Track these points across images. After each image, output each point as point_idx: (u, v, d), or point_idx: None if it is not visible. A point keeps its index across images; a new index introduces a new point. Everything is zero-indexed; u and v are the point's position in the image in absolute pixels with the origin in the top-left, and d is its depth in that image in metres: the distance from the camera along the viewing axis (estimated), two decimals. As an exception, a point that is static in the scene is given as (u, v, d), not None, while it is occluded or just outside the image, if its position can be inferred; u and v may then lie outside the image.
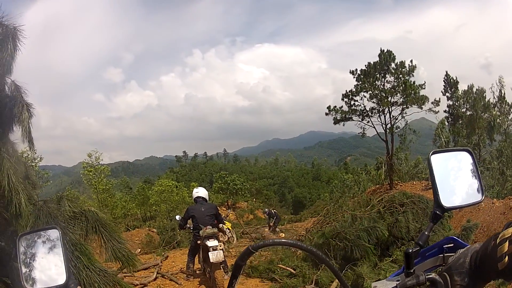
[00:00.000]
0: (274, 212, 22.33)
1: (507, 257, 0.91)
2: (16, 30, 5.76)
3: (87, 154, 30.60)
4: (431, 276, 1.14)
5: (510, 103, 29.75)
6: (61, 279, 1.52)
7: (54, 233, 1.64)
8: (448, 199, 1.30)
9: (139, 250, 14.47)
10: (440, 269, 1.21)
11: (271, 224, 21.15)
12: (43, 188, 22.59)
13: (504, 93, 29.96)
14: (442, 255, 1.32)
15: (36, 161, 25.07)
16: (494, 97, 30.05)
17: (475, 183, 1.36)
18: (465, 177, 1.38)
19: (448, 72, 32.25)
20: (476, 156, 1.42)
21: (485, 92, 30.17)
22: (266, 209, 24.50)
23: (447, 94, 31.70)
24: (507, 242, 0.92)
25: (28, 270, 1.58)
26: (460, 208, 1.39)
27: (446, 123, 32.28)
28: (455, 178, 1.38)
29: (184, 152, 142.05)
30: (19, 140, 6.05)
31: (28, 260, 1.61)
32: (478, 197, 1.35)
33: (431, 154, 1.35)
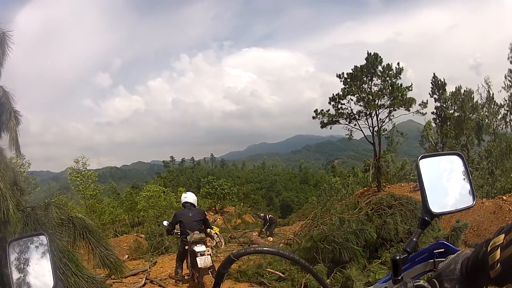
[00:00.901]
0: (270, 217, 22.18)
1: (499, 264, 0.91)
2: (4, 35, 5.72)
3: (74, 160, 30.41)
4: (419, 283, 1.13)
5: (499, 103, 30.08)
6: (49, 284, 1.52)
7: (42, 239, 1.64)
8: (438, 204, 1.28)
9: (127, 256, 14.39)
10: (430, 275, 1.21)
11: (263, 229, 21.03)
12: (31, 194, 22.42)
13: (493, 94, 30.30)
14: (432, 260, 1.30)
15: (24, 167, 24.87)
16: (481, 98, 30.37)
17: (466, 188, 1.35)
18: (455, 181, 1.36)
19: (435, 74, 32.63)
20: (466, 159, 1.41)
21: (473, 93, 30.49)
22: (261, 214, 24.37)
23: (434, 95, 31.93)
24: (499, 249, 0.91)
25: (17, 276, 1.59)
26: (450, 213, 1.37)
27: (434, 125, 32.49)
28: (445, 183, 1.36)
29: (172, 157, 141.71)
30: (7, 146, 6.01)
31: (17, 266, 1.61)
32: (469, 201, 1.33)
33: (420, 159, 1.34)
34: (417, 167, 1.32)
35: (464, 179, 1.36)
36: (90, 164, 32.01)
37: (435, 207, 1.27)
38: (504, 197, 16.40)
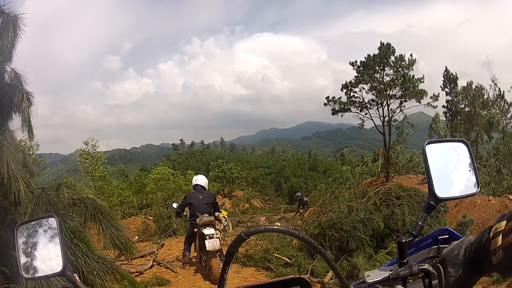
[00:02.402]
0: (306, 199, 22.12)
1: (501, 250, 0.92)
2: (16, 18, 5.74)
3: (83, 141, 30.47)
4: (424, 267, 1.15)
5: (509, 101, 29.77)
6: (58, 267, 1.54)
7: (52, 222, 1.65)
8: (443, 190, 1.30)
9: (137, 237, 14.49)
10: (434, 261, 1.23)
11: (300, 210, 20.93)
12: (40, 176, 22.56)
13: (503, 92, 29.99)
14: (436, 246, 1.32)
15: (33, 148, 25.03)
16: (490, 96, 30.05)
17: (470, 175, 1.36)
18: (460, 168, 1.37)
19: (447, 68, 32.30)
20: (472, 148, 1.43)
21: (484, 89, 30.16)
22: (299, 194, 24.24)
23: (446, 89, 31.68)
24: (501, 235, 0.93)
25: (26, 259, 1.59)
26: (454, 199, 1.38)
27: (444, 118, 32.31)
28: (451, 169, 1.37)
29: (181, 140, 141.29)
30: (17, 128, 6.06)
31: (26, 249, 1.62)
32: (473, 189, 1.34)
33: (426, 144, 1.35)
34: (424, 152, 1.33)
35: (469, 166, 1.38)
36: (99, 146, 32.00)
37: (440, 192, 1.28)
38: (511, 196, 16.33)
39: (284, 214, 24.72)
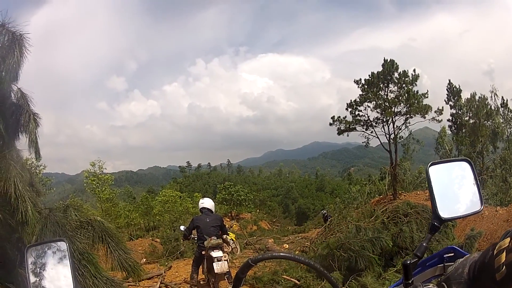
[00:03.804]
0: (329, 216, 22.01)
1: (504, 267, 0.92)
2: (22, 37, 5.80)
3: (90, 163, 30.48)
4: (429, 286, 1.16)
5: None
6: (68, 289, 1.56)
7: (62, 245, 1.67)
8: (447, 209, 1.32)
9: (144, 260, 14.47)
10: (439, 279, 1.23)
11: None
12: (46, 196, 22.59)
13: (506, 100, 30.00)
14: (442, 264, 1.33)
15: (40, 168, 25.06)
16: (493, 105, 30.02)
17: (474, 193, 1.38)
18: (464, 187, 1.40)
19: (451, 81, 32.48)
20: (475, 166, 1.45)
21: (487, 99, 30.21)
22: (324, 211, 24.03)
23: (450, 102, 31.69)
24: (504, 252, 0.93)
25: (35, 280, 1.61)
26: (458, 218, 1.40)
27: (449, 132, 32.29)
28: (454, 189, 1.40)
29: (188, 162, 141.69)
30: (24, 147, 6.10)
31: (35, 270, 1.64)
32: (477, 207, 1.36)
33: (429, 166, 1.37)
34: (427, 174, 1.35)
35: (472, 184, 1.39)
36: (106, 168, 32.05)
37: (444, 213, 1.31)
38: None
39: (304, 234, 24.52)
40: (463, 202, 1.37)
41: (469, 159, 1.44)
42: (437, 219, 1.30)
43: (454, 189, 1.40)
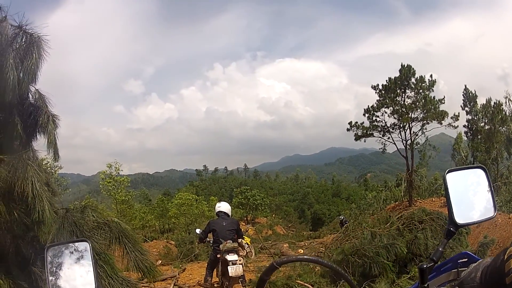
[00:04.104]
0: (346, 221, 21.97)
1: None
2: (40, 39, 5.88)
3: (107, 164, 30.70)
4: None
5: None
6: (90, 289, 1.58)
7: (83, 245, 1.69)
8: (462, 215, 1.35)
9: (160, 261, 14.54)
10: (453, 284, 1.26)
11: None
12: (61, 196, 22.80)
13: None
14: (456, 269, 1.36)
15: (56, 168, 25.30)
16: (508, 111, 29.71)
17: (488, 200, 1.41)
18: (479, 193, 1.43)
19: (467, 86, 32.31)
20: (490, 172, 1.48)
21: (502, 105, 29.92)
22: (341, 217, 23.91)
23: (466, 108, 31.46)
24: None
25: (55, 280, 1.63)
26: (473, 224, 1.43)
27: (465, 138, 32.05)
28: (469, 195, 1.43)
29: (205, 166, 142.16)
30: (40, 148, 6.19)
31: (55, 270, 1.65)
32: (490, 213, 1.40)
33: (447, 173, 1.41)
34: (444, 181, 1.39)
35: (486, 191, 1.42)
36: (122, 170, 32.29)
37: (459, 218, 1.34)
38: None
39: (319, 239, 24.45)
40: (478, 209, 1.41)
41: (484, 167, 1.48)
42: (453, 225, 1.33)
43: (470, 195, 1.43)
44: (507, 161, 30.37)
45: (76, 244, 1.72)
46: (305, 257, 1.32)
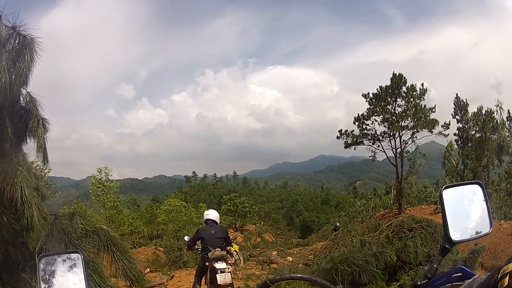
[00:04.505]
0: (339, 228, 22.00)
1: None
2: (33, 41, 5.82)
3: (97, 169, 30.57)
4: None
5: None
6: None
7: (75, 256, 1.67)
8: (458, 232, 1.35)
9: (148, 270, 14.47)
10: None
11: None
12: (50, 199, 22.62)
13: (512, 114, 30.08)
14: (450, 284, 1.35)
15: (45, 171, 25.12)
16: (499, 119, 30.04)
17: (484, 216, 1.41)
18: (475, 210, 1.43)
19: (458, 95, 32.59)
20: (481, 179, 1.48)
21: (493, 113, 30.26)
22: (337, 223, 23.89)
23: (457, 116, 31.75)
24: (508, 276, 0.97)
25: None
26: (468, 240, 1.44)
27: (456, 146, 32.31)
28: (466, 211, 1.44)
29: (194, 172, 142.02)
30: (30, 151, 6.14)
31: (48, 280, 1.63)
32: (486, 229, 1.40)
33: (443, 189, 1.40)
34: (440, 197, 1.39)
35: (483, 207, 1.42)
36: (112, 175, 32.14)
37: (455, 235, 1.34)
38: None
39: (309, 247, 24.44)
40: (474, 225, 1.41)
41: (481, 182, 1.48)
42: (448, 242, 1.34)
43: (466, 211, 1.44)
44: (498, 168, 30.63)
45: (68, 255, 1.71)
46: (298, 275, 1.31)
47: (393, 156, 27.13)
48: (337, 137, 28.04)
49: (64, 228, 5.65)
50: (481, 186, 1.45)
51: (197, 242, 8.96)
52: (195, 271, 9.61)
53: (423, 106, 25.85)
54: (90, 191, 31.55)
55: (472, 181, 1.52)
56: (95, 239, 5.94)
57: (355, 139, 27.52)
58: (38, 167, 20.03)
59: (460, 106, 31.81)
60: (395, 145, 26.81)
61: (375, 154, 28.06)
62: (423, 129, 25.85)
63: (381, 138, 27.05)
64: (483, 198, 1.43)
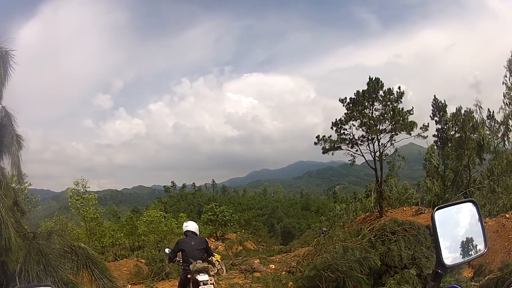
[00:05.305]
0: (325, 230, 21.92)
1: None
2: (7, 54, 5.69)
3: (74, 182, 30.29)
4: None
5: (499, 121, 30.18)
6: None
7: None
8: (451, 255, 1.31)
9: (130, 286, 14.27)
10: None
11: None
12: (31, 213, 22.27)
13: (493, 112, 30.45)
14: None
15: (25, 185, 24.74)
16: (479, 118, 30.43)
17: (478, 235, 1.37)
18: (468, 229, 1.39)
19: (436, 96, 32.93)
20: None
21: (472, 112, 30.58)
22: (325, 228, 23.81)
23: (435, 118, 32.08)
24: None
25: None
26: (463, 263, 1.39)
27: (436, 147, 32.63)
28: (459, 232, 1.39)
29: (173, 182, 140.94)
30: (7, 166, 5.99)
31: None
32: (481, 248, 1.36)
33: (435, 210, 1.36)
34: (432, 220, 1.33)
35: (477, 225, 1.38)
36: (90, 186, 31.79)
37: (448, 259, 1.29)
38: (507, 215, 16.41)
39: (291, 253, 24.44)
40: (468, 245, 1.37)
41: (474, 200, 1.44)
42: (441, 267, 1.29)
43: (459, 232, 1.39)
44: (479, 167, 30.99)
45: None
46: None
47: (372, 159, 27.26)
48: (315, 143, 28.05)
49: (42, 249, 5.51)
50: (475, 204, 1.41)
51: (177, 254, 8.87)
52: (177, 283, 9.52)
53: (400, 109, 25.99)
54: (69, 203, 31.17)
55: (465, 199, 1.48)
56: (73, 258, 5.81)
57: (333, 144, 27.54)
58: (18, 180, 19.74)
59: (438, 107, 32.14)
60: (374, 148, 26.89)
61: (354, 158, 28.13)
62: (402, 132, 25.97)
63: (359, 142, 27.12)
64: (477, 216, 1.39)
